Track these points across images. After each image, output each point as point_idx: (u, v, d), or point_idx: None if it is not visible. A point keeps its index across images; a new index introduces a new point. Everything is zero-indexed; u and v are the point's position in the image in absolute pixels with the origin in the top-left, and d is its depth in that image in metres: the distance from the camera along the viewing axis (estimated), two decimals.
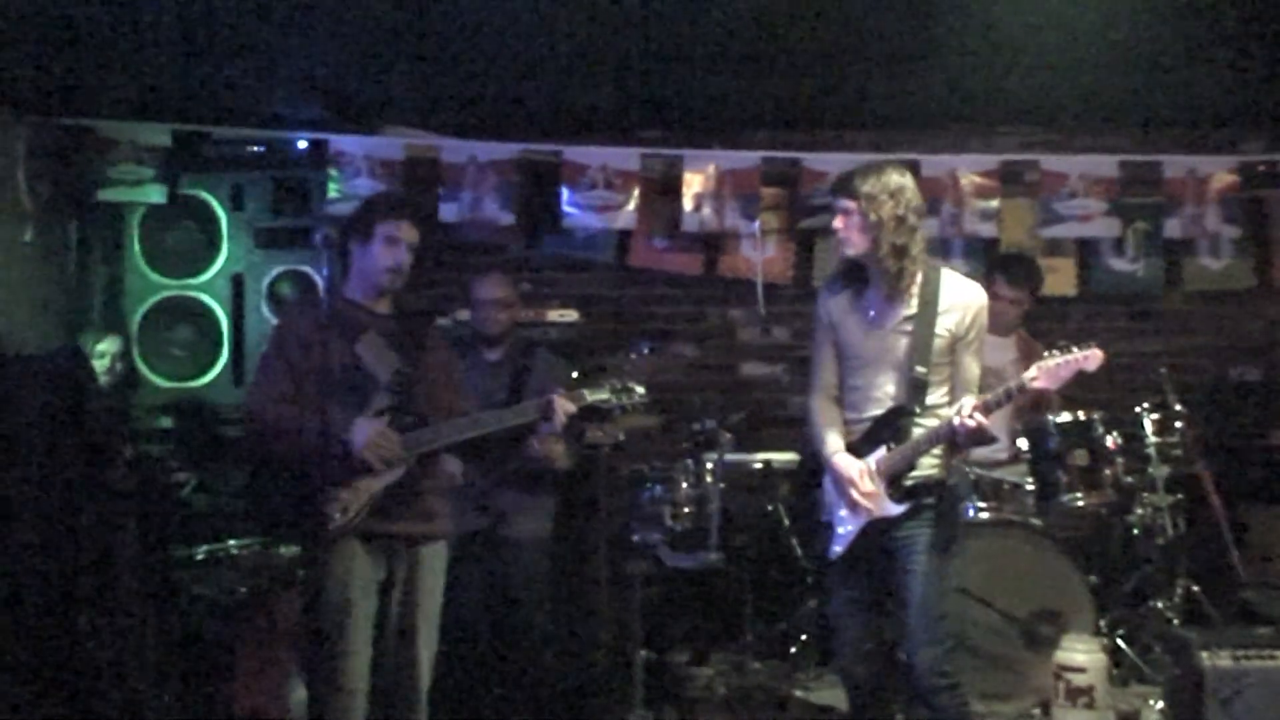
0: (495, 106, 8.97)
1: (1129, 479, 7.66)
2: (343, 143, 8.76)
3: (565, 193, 8.97)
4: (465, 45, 7.54)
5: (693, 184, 9.04)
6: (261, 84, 8.28)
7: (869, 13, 7.06)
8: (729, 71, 8.14)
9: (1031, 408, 7.70)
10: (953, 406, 5.46)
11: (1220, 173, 8.96)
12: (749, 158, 9.09)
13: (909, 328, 5.58)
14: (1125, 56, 7.79)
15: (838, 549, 5.70)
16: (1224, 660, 6.31)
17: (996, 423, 5.82)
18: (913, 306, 5.58)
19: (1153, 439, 7.60)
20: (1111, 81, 8.34)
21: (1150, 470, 7.57)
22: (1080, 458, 7.50)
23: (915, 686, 5.60)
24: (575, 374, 7.36)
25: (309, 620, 5.58)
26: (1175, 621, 7.48)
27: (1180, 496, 7.73)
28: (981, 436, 5.45)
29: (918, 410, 5.53)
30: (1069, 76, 8.22)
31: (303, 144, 8.93)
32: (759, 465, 8.00)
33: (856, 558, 5.68)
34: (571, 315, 8.67)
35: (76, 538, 5.51)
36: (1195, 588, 7.82)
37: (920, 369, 5.52)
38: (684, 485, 7.45)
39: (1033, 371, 5.35)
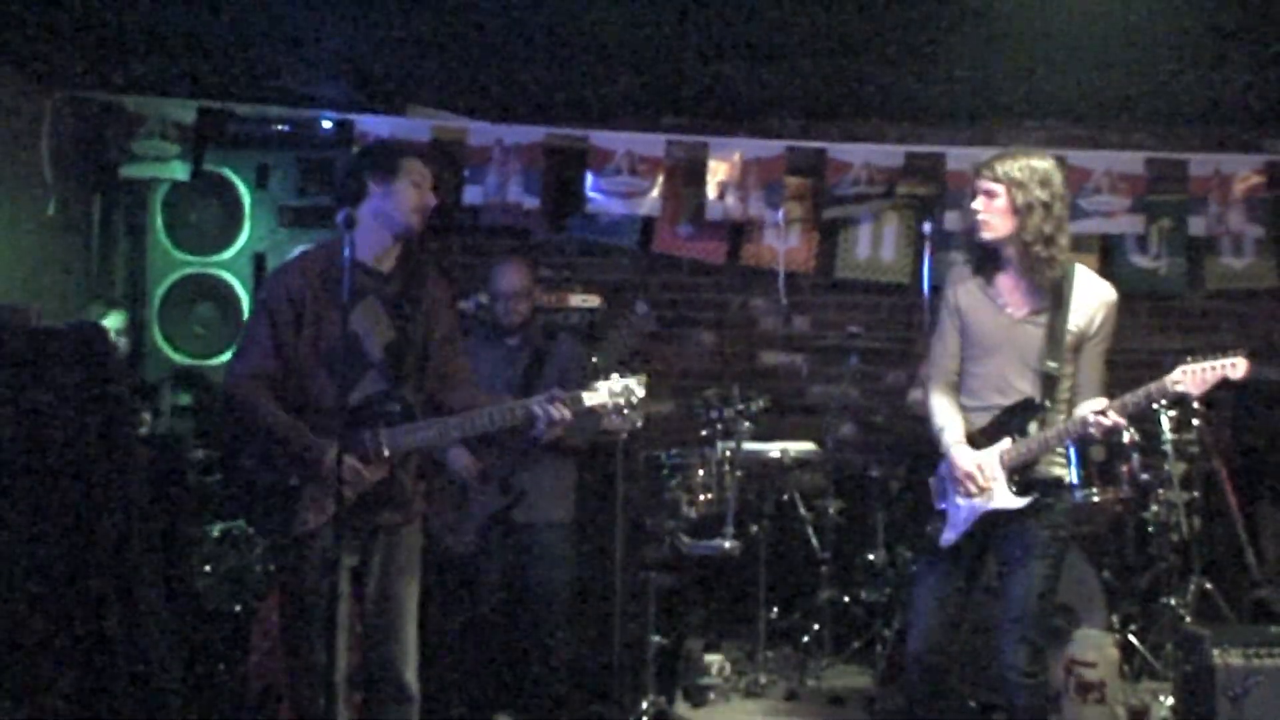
0: (522, 90, 8.99)
1: (1145, 475, 7.66)
2: (369, 123, 8.77)
3: (590, 178, 8.98)
4: (493, 28, 7.56)
5: (717, 172, 9.04)
6: (288, 63, 8.31)
7: (897, 4, 7.06)
8: (756, 60, 8.15)
9: None
10: (1076, 405, 5.44)
11: (1245, 172, 8.95)
12: (774, 147, 9.08)
13: (1041, 320, 5.51)
14: (1153, 54, 7.78)
15: (950, 536, 5.66)
16: (1235, 658, 6.31)
17: None
18: (1046, 299, 5.51)
19: (1169, 436, 7.58)
20: (1139, 79, 8.34)
21: (1166, 467, 7.55)
22: (1097, 453, 7.51)
23: (1000, 678, 5.60)
24: (595, 359, 7.38)
25: (288, 613, 5.45)
26: (1188, 619, 7.47)
27: (1196, 494, 7.74)
28: (1113, 437, 5.36)
29: (1048, 405, 5.47)
30: (1097, 73, 8.22)
31: (328, 124, 8.94)
32: (776, 454, 7.99)
33: (959, 547, 5.66)
34: (594, 301, 8.67)
35: (91, 513, 5.52)
36: (1209, 585, 7.82)
37: (1052, 364, 5.45)
38: (701, 473, 7.44)
39: (1177, 374, 5.23)
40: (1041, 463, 5.53)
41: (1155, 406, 7.62)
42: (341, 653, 5.46)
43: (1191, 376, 5.21)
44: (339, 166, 8.90)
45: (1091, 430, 5.30)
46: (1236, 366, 5.20)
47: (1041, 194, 5.40)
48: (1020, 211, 5.41)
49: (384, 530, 5.54)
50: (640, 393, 5.69)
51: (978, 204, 5.52)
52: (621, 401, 5.68)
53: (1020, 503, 5.47)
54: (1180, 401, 7.62)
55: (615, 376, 5.70)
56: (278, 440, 5.28)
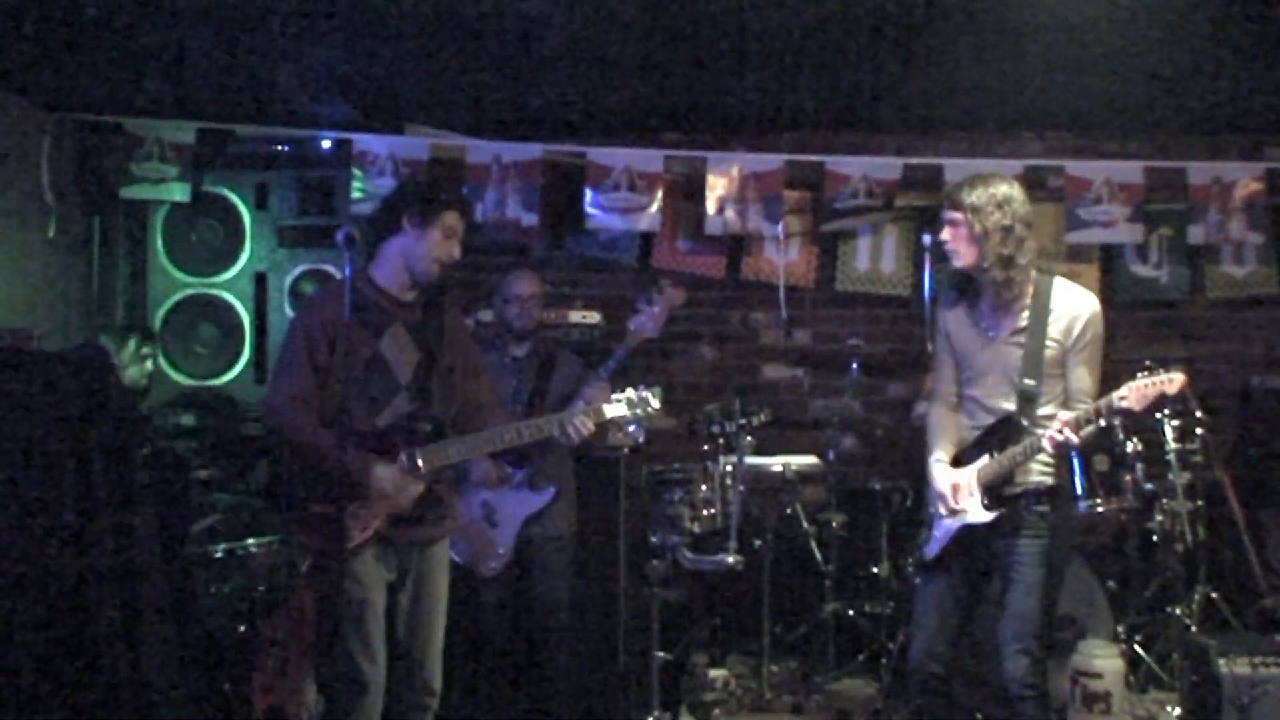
0: (520, 107, 8.98)
1: (1149, 485, 7.64)
2: (367, 142, 8.79)
3: (589, 194, 8.97)
4: (490, 46, 7.56)
5: (716, 186, 9.03)
6: (287, 83, 8.29)
7: (893, 16, 7.05)
8: (753, 74, 8.14)
9: None
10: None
11: (1245, 179, 8.92)
12: (772, 160, 9.07)
13: (1021, 339, 5.59)
14: (1151, 62, 7.77)
15: (930, 549, 5.78)
16: (1242, 667, 6.33)
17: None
18: (1024, 317, 5.59)
19: (1173, 445, 7.57)
20: (1137, 87, 8.33)
21: (1170, 476, 7.54)
22: (1100, 463, 7.50)
23: (1002, 690, 5.63)
24: (596, 367, 7.41)
25: (326, 625, 5.58)
26: (1194, 628, 7.46)
27: (1200, 503, 7.70)
28: (1071, 451, 5.40)
29: (1026, 422, 5.52)
30: (1094, 82, 8.20)
31: (327, 143, 8.97)
32: (779, 468, 7.98)
33: (950, 561, 5.74)
34: (594, 317, 8.67)
35: (96, 535, 5.51)
36: (1214, 595, 7.80)
37: (1029, 381, 5.53)
38: (704, 487, 7.44)
39: (1123, 391, 5.25)
40: (1029, 473, 5.59)
41: (1159, 416, 7.65)
42: (380, 667, 5.61)
43: (1134, 393, 5.25)
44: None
45: (1045, 446, 5.38)
46: (1173, 382, 5.23)
47: (1000, 218, 5.53)
48: (980, 238, 5.54)
49: (422, 544, 5.72)
50: (656, 404, 5.88)
51: (945, 234, 5.66)
52: (640, 412, 5.83)
53: (989, 517, 5.54)
54: (1184, 411, 7.64)
55: (630, 390, 5.83)
56: (320, 457, 5.44)
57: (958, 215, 5.58)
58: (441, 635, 5.83)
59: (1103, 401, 5.30)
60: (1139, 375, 5.28)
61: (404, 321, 5.71)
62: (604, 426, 6.20)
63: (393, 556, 5.64)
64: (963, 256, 5.60)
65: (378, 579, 5.58)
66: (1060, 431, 5.27)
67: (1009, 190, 5.59)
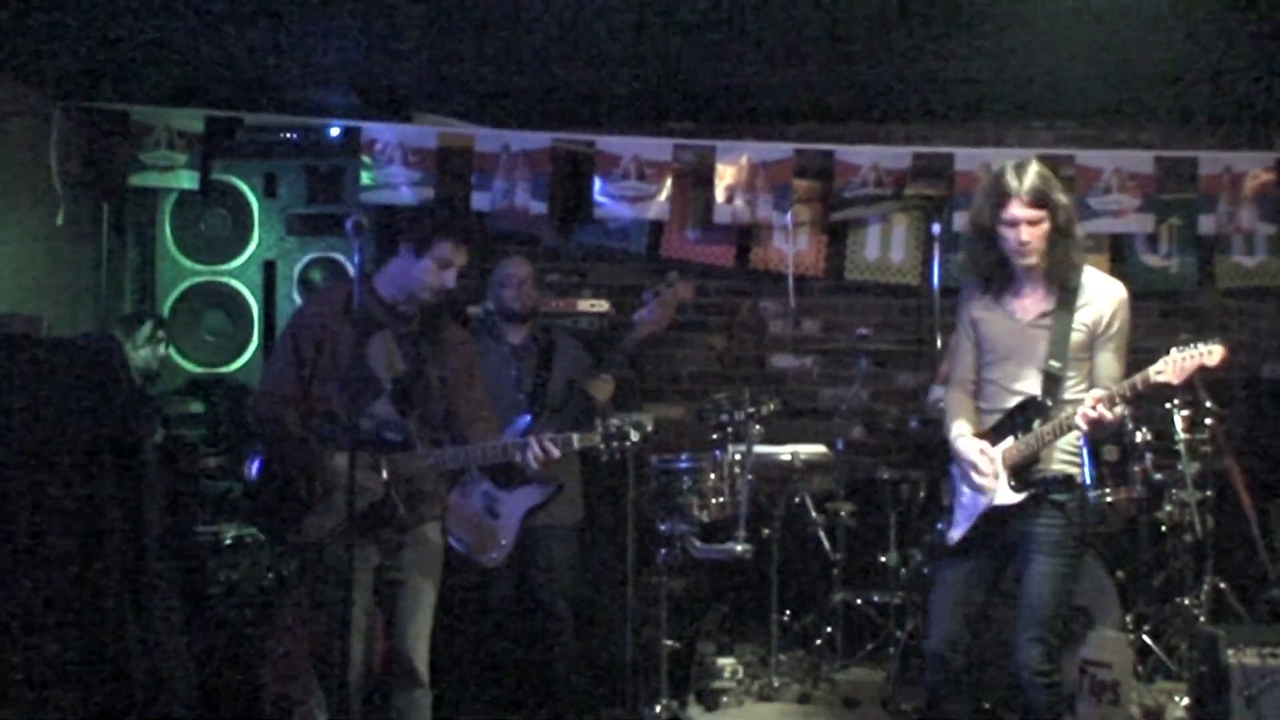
0: (528, 96, 8.97)
1: (1158, 475, 7.61)
2: (376, 130, 8.79)
3: (598, 183, 8.95)
4: (498, 34, 7.55)
5: (725, 175, 9.01)
6: (295, 71, 8.30)
7: (904, 5, 7.04)
8: (762, 63, 8.12)
9: None
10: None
11: (1256, 170, 8.91)
12: (782, 150, 9.05)
13: (1048, 322, 5.56)
14: (1162, 52, 7.75)
15: (954, 534, 5.75)
16: (1250, 658, 6.31)
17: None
18: (1052, 302, 5.56)
19: (1182, 435, 7.53)
20: (1147, 77, 8.31)
21: (1179, 467, 7.51)
22: (1110, 453, 7.47)
23: (1014, 677, 5.61)
24: (601, 360, 7.41)
25: (308, 614, 5.66)
26: (1202, 619, 7.44)
27: (1209, 493, 7.70)
28: (1106, 430, 5.38)
29: (1050, 404, 5.50)
30: (1105, 72, 8.19)
31: (336, 131, 8.96)
32: (787, 457, 7.97)
33: (970, 546, 5.71)
34: (603, 306, 8.67)
35: (105, 522, 5.52)
36: (1223, 585, 7.79)
37: (1055, 363, 5.50)
38: (712, 476, 7.42)
39: (1159, 365, 5.18)
40: (1050, 461, 5.56)
41: (1168, 406, 7.62)
42: (356, 657, 5.60)
43: (1172, 366, 5.17)
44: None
45: (1079, 423, 5.32)
46: (1213, 354, 5.16)
47: (1065, 199, 5.50)
48: (1063, 227, 5.46)
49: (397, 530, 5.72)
50: (635, 437, 5.78)
51: (1025, 236, 5.46)
52: (615, 445, 5.76)
53: (1017, 498, 5.51)
54: (1193, 401, 7.61)
55: (614, 419, 5.80)
56: (292, 449, 5.60)
57: (1039, 213, 5.43)
58: (427, 619, 5.85)
59: (1138, 376, 5.24)
60: (1174, 349, 5.19)
61: (395, 331, 5.82)
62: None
63: (372, 544, 5.65)
64: (1041, 251, 5.49)
65: (360, 574, 5.50)
66: (1094, 408, 5.23)
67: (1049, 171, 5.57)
